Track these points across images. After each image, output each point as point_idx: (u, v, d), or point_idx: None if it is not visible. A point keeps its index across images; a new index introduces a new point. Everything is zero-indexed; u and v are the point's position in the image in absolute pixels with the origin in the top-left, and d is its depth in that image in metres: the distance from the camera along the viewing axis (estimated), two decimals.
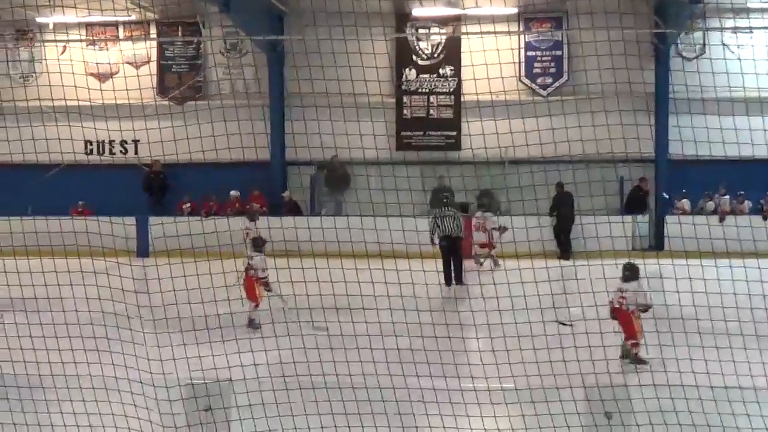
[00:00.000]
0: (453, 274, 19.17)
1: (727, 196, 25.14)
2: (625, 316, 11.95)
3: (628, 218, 23.70)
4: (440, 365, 10.36)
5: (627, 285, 12.01)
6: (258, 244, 15.49)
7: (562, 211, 23.84)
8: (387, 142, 24.91)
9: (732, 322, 11.94)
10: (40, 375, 11.12)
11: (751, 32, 24.87)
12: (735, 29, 24.85)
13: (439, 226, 19.15)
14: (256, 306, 14.87)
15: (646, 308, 11.94)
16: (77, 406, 10.15)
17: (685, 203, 25.28)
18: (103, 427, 9.79)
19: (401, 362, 10.35)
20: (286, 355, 10.98)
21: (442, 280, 18.59)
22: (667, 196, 25.55)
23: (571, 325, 11.75)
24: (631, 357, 11.94)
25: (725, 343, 11.02)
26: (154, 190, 26.77)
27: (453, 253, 19.34)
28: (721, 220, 21.52)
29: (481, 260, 21.55)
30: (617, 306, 11.96)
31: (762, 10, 25.77)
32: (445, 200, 20.22)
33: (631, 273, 12.06)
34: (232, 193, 26.28)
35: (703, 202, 25.30)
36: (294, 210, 25.62)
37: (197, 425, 9.10)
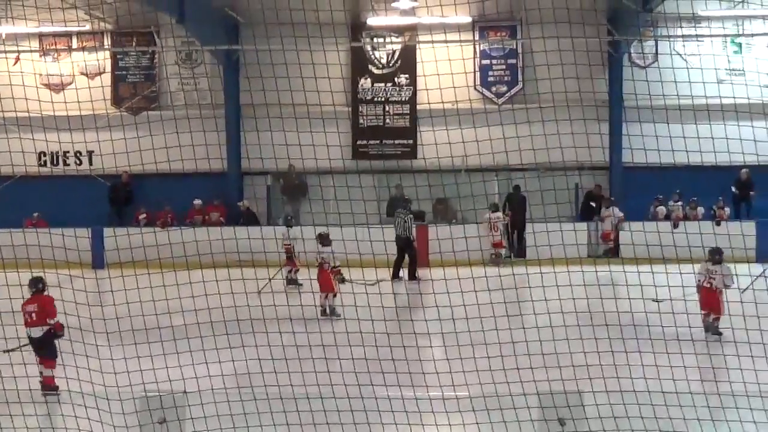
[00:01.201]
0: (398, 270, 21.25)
1: (680, 203, 25.43)
2: (712, 295, 13.79)
3: (582, 225, 23.97)
4: (395, 374, 10.37)
5: (715, 267, 13.79)
6: (325, 239, 16.84)
7: (514, 210, 24.84)
8: (342, 151, 24.93)
9: (683, 328, 12.13)
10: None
11: (701, 41, 25.21)
12: (684, 38, 25.17)
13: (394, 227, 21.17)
14: (335, 295, 16.45)
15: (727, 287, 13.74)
16: (29, 420, 10.11)
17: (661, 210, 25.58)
18: None
19: (356, 372, 10.41)
20: (241, 366, 10.98)
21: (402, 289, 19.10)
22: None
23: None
24: (712, 329, 13.73)
25: (676, 348, 11.20)
26: (119, 202, 26.89)
27: (400, 251, 21.43)
28: (675, 226, 21.74)
29: (500, 258, 23.12)
30: (707, 286, 13.83)
31: (710, 18, 26.12)
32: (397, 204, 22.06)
33: (719, 257, 13.85)
34: (196, 201, 26.38)
35: (653, 208, 25.58)
36: (251, 220, 25.58)
37: None
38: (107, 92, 26.64)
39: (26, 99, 22.33)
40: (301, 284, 19.06)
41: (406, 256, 21.65)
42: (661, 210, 25.48)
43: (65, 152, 27.30)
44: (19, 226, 24.65)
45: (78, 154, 27.15)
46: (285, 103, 23.06)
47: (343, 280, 16.22)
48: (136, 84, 27.30)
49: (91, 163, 26.69)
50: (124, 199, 26.88)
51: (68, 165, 27.42)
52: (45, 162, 27.53)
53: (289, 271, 20.22)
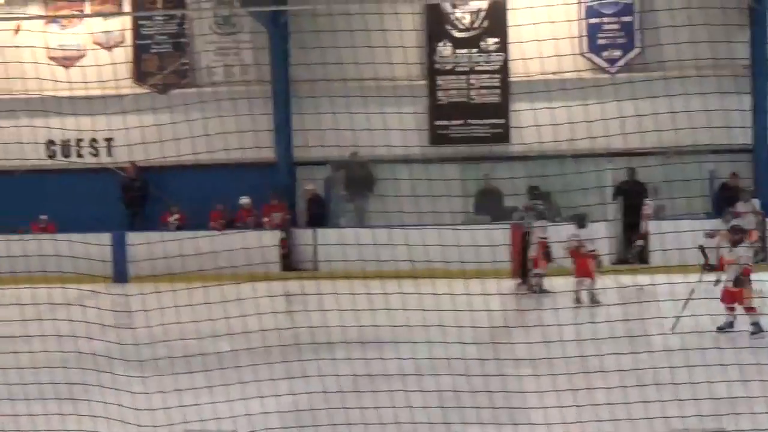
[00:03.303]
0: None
1: None
2: None
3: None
4: (491, 410, 10.49)
5: None
6: (582, 220, 19.18)
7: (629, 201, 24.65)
8: (418, 135, 25.18)
9: None
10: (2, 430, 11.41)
11: None
12: None
13: None
14: (593, 281, 18.18)
15: None
16: None
17: None
18: None
19: (442, 407, 10.55)
20: (302, 400, 11.22)
21: (491, 305, 19.31)
22: None
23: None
24: None
25: None
26: (131, 200, 27.42)
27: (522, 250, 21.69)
28: None
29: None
30: None
31: None
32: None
33: None
34: (244, 200, 26.76)
35: None
36: (319, 207, 26.27)
37: None
38: (128, 67, 27.25)
39: (30, 77, 23.59)
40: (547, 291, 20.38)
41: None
42: None
43: (78, 140, 28.05)
44: (23, 231, 25.77)
45: (93, 143, 27.85)
46: (345, 79, 23.64)
47: (600, 264, 18.45)
48: (162, 56, 28.00)
49: (109, 154, 27.62)
50: (138, 197, 27.57)
51: (82, 156, 28.20)
52: (54, 153, 28.23)
53: (536, 275, 20.97)
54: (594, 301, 17.87)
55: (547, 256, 20.93)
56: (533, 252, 21.16)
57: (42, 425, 11.13)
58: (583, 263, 18.39)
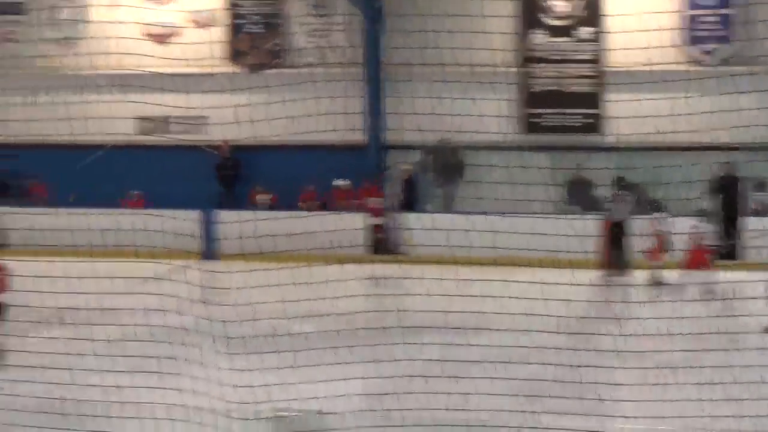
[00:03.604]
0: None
1: None
2: None
3: None
4: (579, 401, 10.58)
5: None
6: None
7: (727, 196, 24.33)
8: (510, 122, 25.20)
9: None
10: (90, 401, 11.78)
11: None
12: None
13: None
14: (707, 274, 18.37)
15: None
16: None
17: None
18: None
19: (529, 395, 10.69)
20: (386, 384, 11.45)
21: (582, 296, 19.50)
22: None
23: None
24: None
25: None
26: (224, 179, 27.91)
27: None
28: None
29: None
30: None
31: None
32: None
33: None
34: (340, 182, 27.00)
35: None
36: (411, 190, 26.46)
37: None
38: (222, 46, 27.81)
39: (124, 53, 24.00)
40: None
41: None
42: None
43: (170, 117, 28.43)
44: (115, 204, 26.45)
45: (186, 120, 28.24)
46: (438, 63, 23.62)
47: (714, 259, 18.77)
48: (256, 36, 28.37)
49: (201, 132, 28.01)
50: (230, 176, 28.06)
51: (174, 133, 28.68)
52: (146, 129, 28.81)
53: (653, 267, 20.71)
54: (707, 294, 17.57)
55: (664, 247, 20.86)
56: (649, 244, 21.10)
57: (132, 397, 11.61)
58: (699, 256, 18.53)
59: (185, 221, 22.63)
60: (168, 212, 23.39)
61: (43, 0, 29.62)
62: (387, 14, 26.78)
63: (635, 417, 10.59)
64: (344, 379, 11.13)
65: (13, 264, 15.23)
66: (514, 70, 26.15)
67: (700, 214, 19.54)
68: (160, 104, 25.46)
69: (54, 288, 13.32)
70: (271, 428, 10.04)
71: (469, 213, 21.35)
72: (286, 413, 10.26)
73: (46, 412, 11.83)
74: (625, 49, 17.18)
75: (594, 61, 26.63)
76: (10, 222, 26.53)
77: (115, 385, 12.10)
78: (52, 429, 11.58)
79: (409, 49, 23.89)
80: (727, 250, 23.88)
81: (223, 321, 12.47)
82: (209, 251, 23.99)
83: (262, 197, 27.28)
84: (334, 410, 10.68)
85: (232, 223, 21.45)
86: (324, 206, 26.66)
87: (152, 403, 11.68)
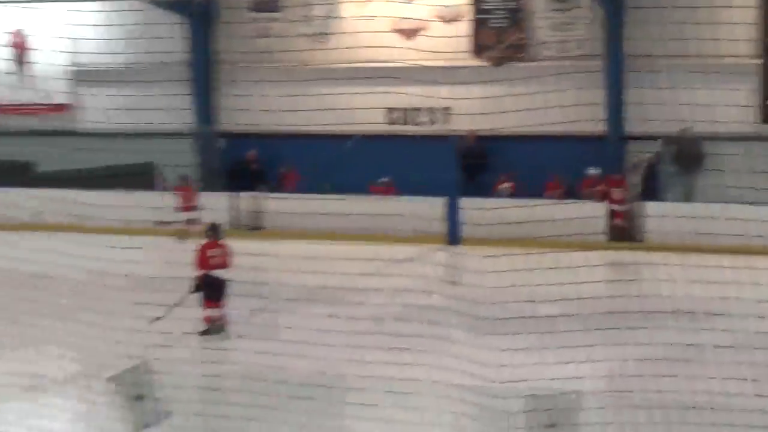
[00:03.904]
0: None
1: None
2: None
3: None
4: None
5: None
6: None
7: None
8: (750, 112, 25.28)
9: None
10: (343, 375, 12.81)
11: None
12: None
13: None
14: None
15: None
16: (386, 412, 11.61)
17: None
18: None
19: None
20: (630, 366, 11.83)
21: None
22: None
23: None
24: None
25: None
26: (468, 168, 28.08)
27: None
28: None
29: None
30: None
31: None
32: None
33: None
34: (592, 171, 27.24)
35: None
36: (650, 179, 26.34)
37: None
38: (467, 40, 28.41)
39: (373, 47, 24.86)
40: None
41: None
42: None
43: (417, 108, 29.26)
44: (364, 190, 27.47)
45: (432, 111, 29.07)
46: (679, 54, 23.92)
47: None
48: (500, 30, 28.67)
49: (446, 122, 28.70)
50: (476, 164, 28.32)
51: (420, 123, 29.53)
52: (394, 119, 29.65)
53: None
54: None
55: None
56: None
57: (381, 372, 12.37)
58: None
59: (431, 208, 24.51)
60: (415, 199, 24.75)
61: None
62: (627, 6, 26.88)
63: None
64: (590, 361, 11.45)
65: (269, 246, 15.69)
66: (755, 61, 26.14)
67: None
68: (407, 94, 26.60)
69: (310, 269, 14.51)
70: (527, 406, 9.99)
71: (709, 202, 21.54)
72: (540, 392, 10.27)
73: (312, 385, 12.54)
74: None
75: None
76: (266, 206, 28.27)
77: (371, 361, 12.84)
78: (313, 400, 12.29)
79: (650, 40, 24.19)
80: None
81: (472, 302, 13.06)
82: (454, 236, 24.48)
83: (503, 186, 27.46)
84: (582, 390, 10.66)
85: (476, 209, 22.14)
86: (568, 194, 26.66)
87: (410, 379, 12.26)
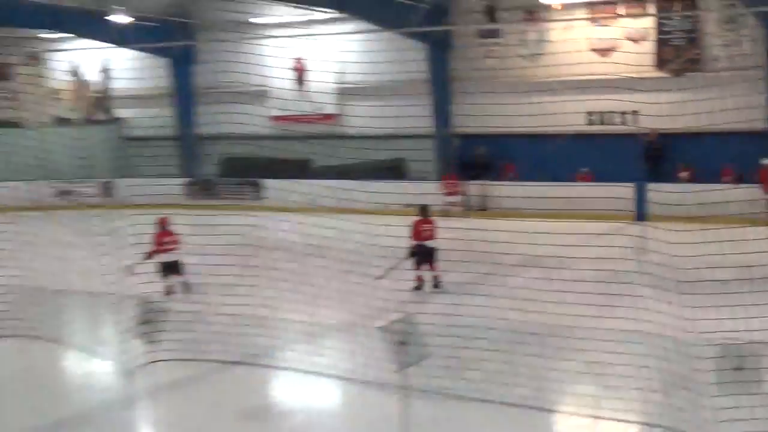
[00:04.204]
0: None
1: None
2: None
3: None
4: None
5: None
6: None
7: None
8: None
9: None
10: (556, 325, 13.08)
11: None
12: None
13: None
14: None
15: None
16: (591, 356, 11.95)
17: None
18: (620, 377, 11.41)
19: None
20: None
21: None
22: None
23: None
24: None
25: None
26: (651, 159, 28.32)
27: None
28: None
29: None
30: None
31: None
32: None
33: None
34: (765, 161, 26.69)
35: None
36: None
37: (728, 383, 9.74)
38: (651, 56, 28.53)
39: (576, 64, 25.59)
40: None
41: None
42: None
43: (610, 112, 29.30)
44: (568, 179, 28.08)
45: (622, 114, 28.86)
46: None
47: None
48: (679, 47, 28.64)
49: (634, 123, 28.31)
50: (655, 156, 28.37)
51: (613, 124, 29.62)
52: (592, 121, 29.84)
53: None
54: None
55: None
56: None
57: (587, 324, 12.38)
58: None
59: (622, 191, 24.18)
60: (609, 184, 25.02)
61: (515, 26, 30.87)
62: None
63: None
64: (760, 317, 11.37)
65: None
66: None
67: None
68: (603, 101, 27.61)
69: (526, 241, 14.00)
70: (718, 353, 9.82)
71: None
72: (731, 341, 10.10)
73: (531, 334, 12.89)
74: None
75: None
76: (490, 192, 29.36)
77: (580, 314, 12.98)
78: (531, 345, 12.59)
79: None
80: None
81: (658, 267, 12.91)
82: (641, 215, 24.42)
83: (682, 173, 27.48)
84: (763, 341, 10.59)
85: (659, 192, 22.08)
86: (739, 180, 26.02)
87: (610, 329, 12.26)
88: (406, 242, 18.60)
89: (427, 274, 18.69)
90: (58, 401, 13.08)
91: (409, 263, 18.56)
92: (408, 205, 21.02)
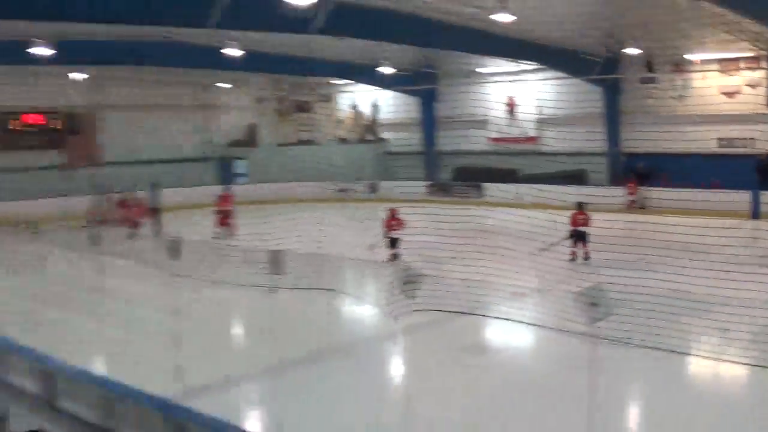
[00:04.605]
0: None
1: None
2: None
3: None
4: None
5: None
6: None
7: None
8: None
9: None
10: (693, 293, 12.60)
11: None
12: None
13: None
14: None
15: None
16: (722, 319, 11.74)
17: None
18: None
19: None
20: None
21: None
22: None
23: None
24: None
25: None
26: (762, 172, 28.35)
27: None
28: None
29: None
30: None
31: None
32: None
33: None
34: None
35: None
36: None
37: None
38: (764, 98, 29.07)
39: (708, 105, 27.65)
40: None
41: None
42: None
43: (735, 138, 29.97)
44: (705, 187, 26.67)
45: (743, 139, 29.74)
46: None
47: None
48: None
49: (751, 146, 29.26)
50: (765, 170, 28.26)
51: (737, 147, 30.09)
52: (722, 144, 30.16)
53: None
54: None
55: None
56: None
57: (722, 293, 12.31)
58: None
59: (741, 196, 25.69)
60: (732, 191, 26.42)
61: (667, 75, 30.98)
62: None
63: None
64: None
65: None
66: None
67: None
68: (730, 129, 29.22)
69: (674, 231, 13.77)
70: None
71: None
72: None
73: (675, 299, 12.28)
74: None
75: None
76: (648, 195, 29.33)
77: (715, 286, 12.47)
78: (678, 314, 12.07)
79: None
80: None
81: None
82: (756, 213, 25.84)
83: None
84: None
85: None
86: None
87: (740, 298, 12.17)
88: (565, 228, 18.71)
89: (579, 252, 18.85)
90: (336, 332, 13.51)
91: (567, 242, 18.90)
92: (581, 204, 20.45)
